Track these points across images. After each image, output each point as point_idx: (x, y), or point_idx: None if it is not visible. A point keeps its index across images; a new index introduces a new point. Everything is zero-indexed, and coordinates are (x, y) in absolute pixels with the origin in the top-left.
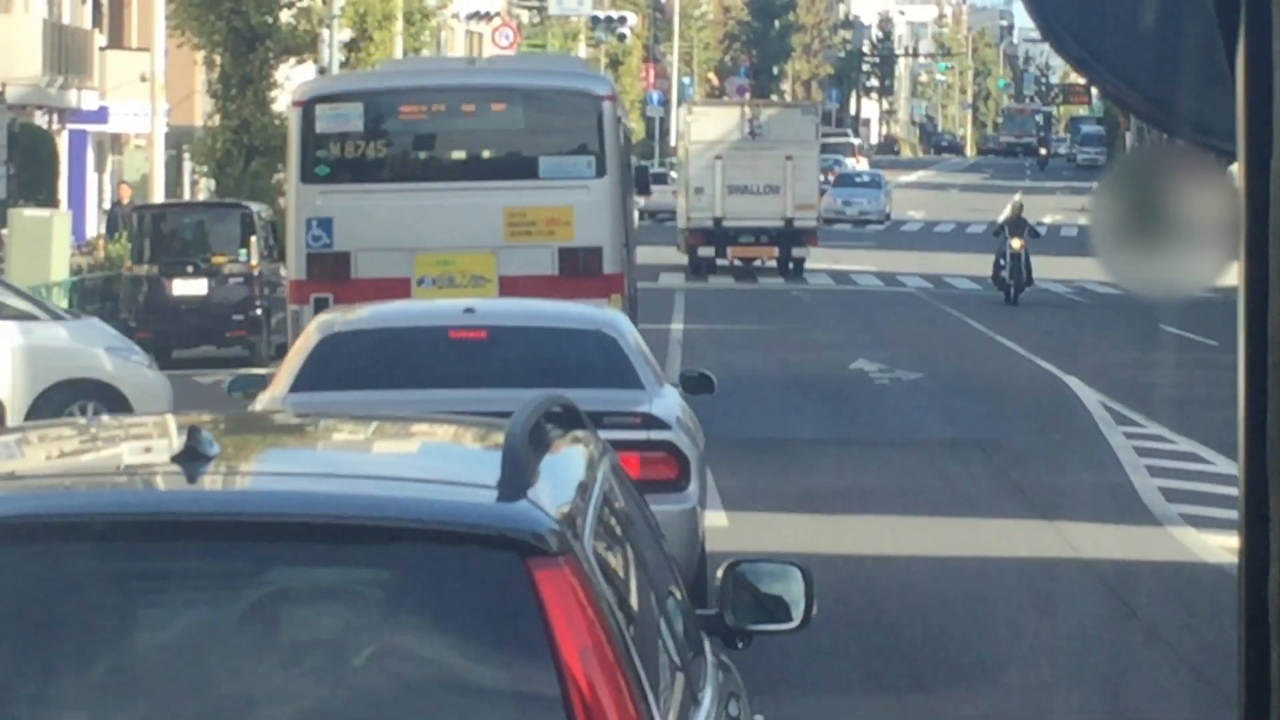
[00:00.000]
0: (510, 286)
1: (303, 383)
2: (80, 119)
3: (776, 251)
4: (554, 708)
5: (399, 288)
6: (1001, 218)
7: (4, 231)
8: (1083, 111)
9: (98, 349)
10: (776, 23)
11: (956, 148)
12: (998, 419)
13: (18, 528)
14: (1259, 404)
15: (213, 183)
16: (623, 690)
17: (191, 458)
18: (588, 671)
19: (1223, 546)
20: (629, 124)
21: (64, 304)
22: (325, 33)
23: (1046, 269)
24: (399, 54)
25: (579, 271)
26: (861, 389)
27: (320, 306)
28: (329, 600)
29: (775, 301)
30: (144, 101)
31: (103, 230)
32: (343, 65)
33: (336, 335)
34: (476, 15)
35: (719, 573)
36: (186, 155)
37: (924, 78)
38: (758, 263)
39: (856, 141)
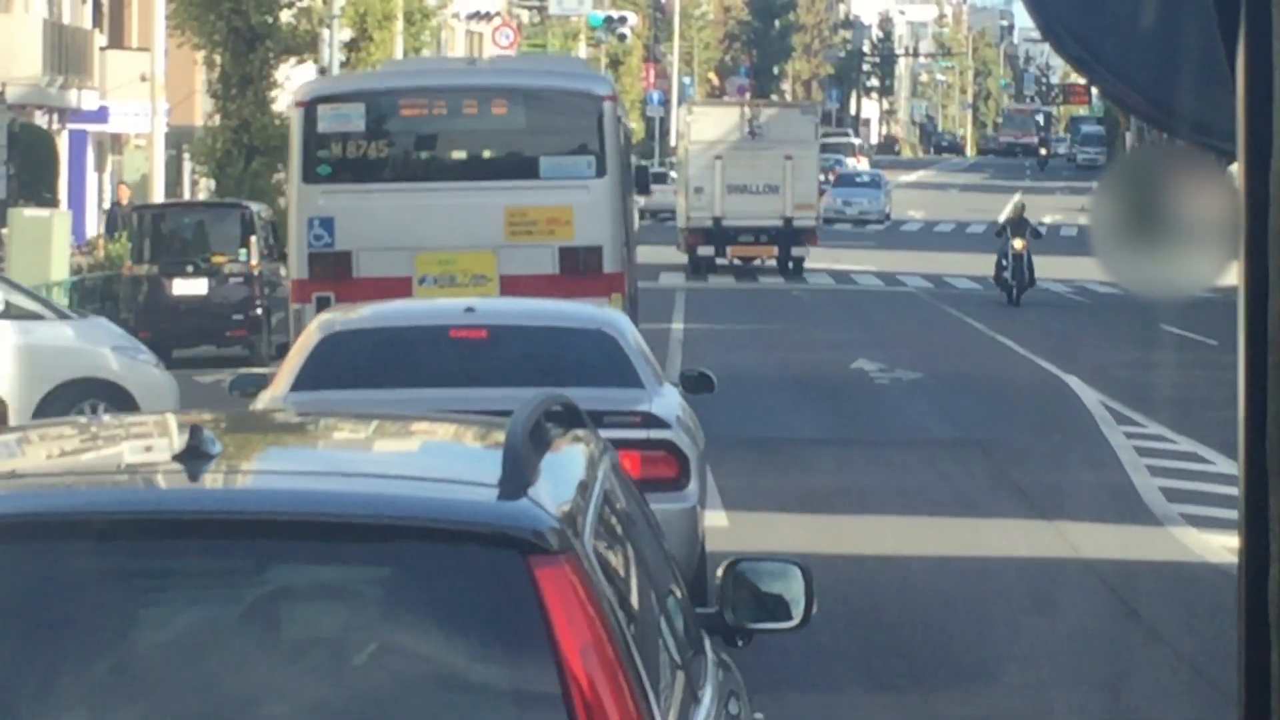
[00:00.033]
0: (511, 286)
1: (304, 382)
2: (80, 119)
3: (776, 251)
4: (554, 706)
5: (400, 287)
6: (1003, 217)
7: (4, 231)
8: (1083, 111)
9: (104, 348)
10: (777, 23)
11: (957, 148)
12: (998, 419)
13: (20, 526)
14: (1259, 404)
15: (213, 183)
16: (623, 688)
17: (193, 456)
18: (588, 669)
19: (1223, 546)
20: (629, 124)
21: (64, 304)
22: (325, 33)
23: (1047, 269)
24: (399, 54)
25: (579, 271)
26: (861, 389)
27: (322, 305)
28: (330, 598)
29: (775, 301)
30: (144, 101)
31: (103, 230)
32: (343, 65)
33: (337, 334)
34: (477, 15)
35: (719, 571)
36: (186, 155)
37: (924, 78)
38: (757, 262)
39: (857, 141)
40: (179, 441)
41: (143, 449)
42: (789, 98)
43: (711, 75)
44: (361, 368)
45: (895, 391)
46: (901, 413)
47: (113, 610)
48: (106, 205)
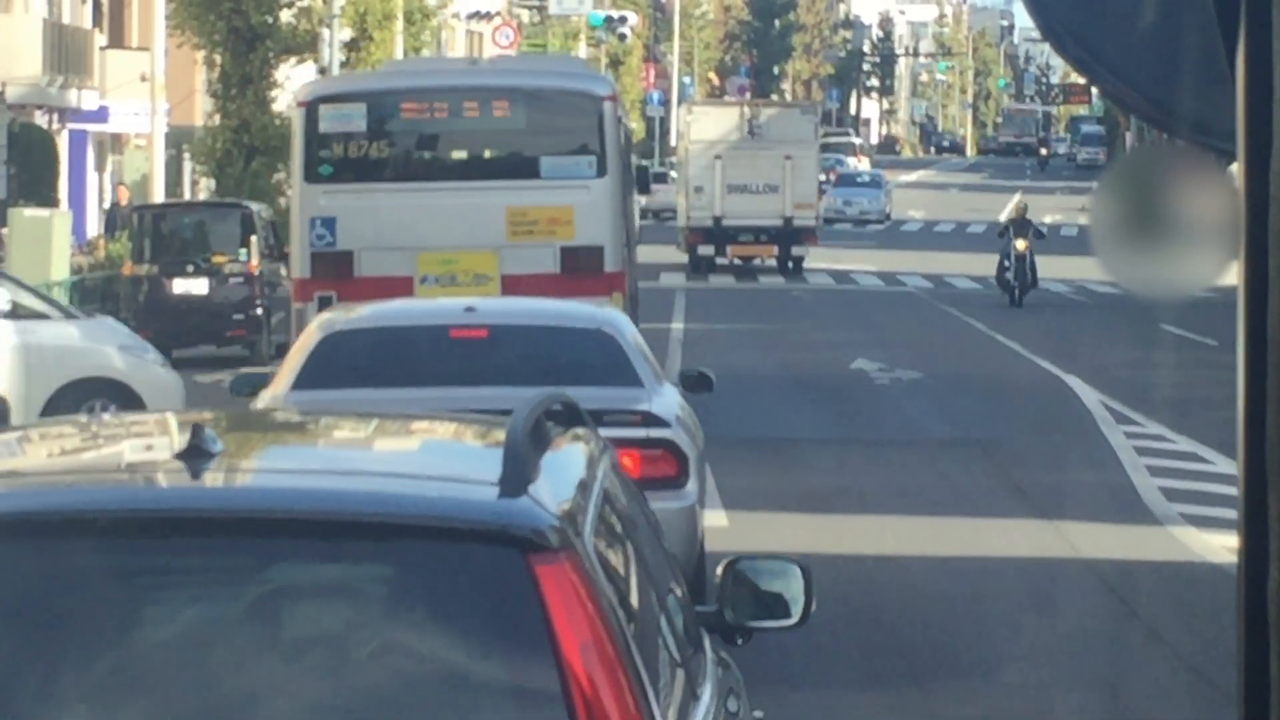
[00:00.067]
0: (512, 285)
1: (304, 381)
2: (80, 119)
3: (775, 250)
4: (555, 703)
5: (402, 286)
6: (1004, 217)
7: (4, 231)
8: (1083, 111)
9: (111, 348)
10: (777, 22)
11: (958, 148)
12: (998, 418)
13: (22, 524)
14: (1259, 404)
15: (213, 183)
16: (623, 686)
17: (195, 455)
18: (588, 667)
19: (1223, 546)
20: (629, 124)
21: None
22: (325, 32)
23: (1047, 268)
24: (399, 54)
25: (580, 270)
26: (861, 389)
27: (324, 304)
28: (331, 596)
29: (775, 301)
30: (144, 101)
31: (103, 230)
32: (343, 65)
33: (338, 334)
34: (477, 15)
35: (719, 569)
36: (186, 155)
37: (924, 77)
38: (757, 261)
39: (858, 141)
40: (181, 440)
41: (144, 447)
42: (789, 98)
43: (711, 75)
44: (362, 367)
45: (895, 391)
46: (901, 412)
47: (115, 608)
48: (106, 205)
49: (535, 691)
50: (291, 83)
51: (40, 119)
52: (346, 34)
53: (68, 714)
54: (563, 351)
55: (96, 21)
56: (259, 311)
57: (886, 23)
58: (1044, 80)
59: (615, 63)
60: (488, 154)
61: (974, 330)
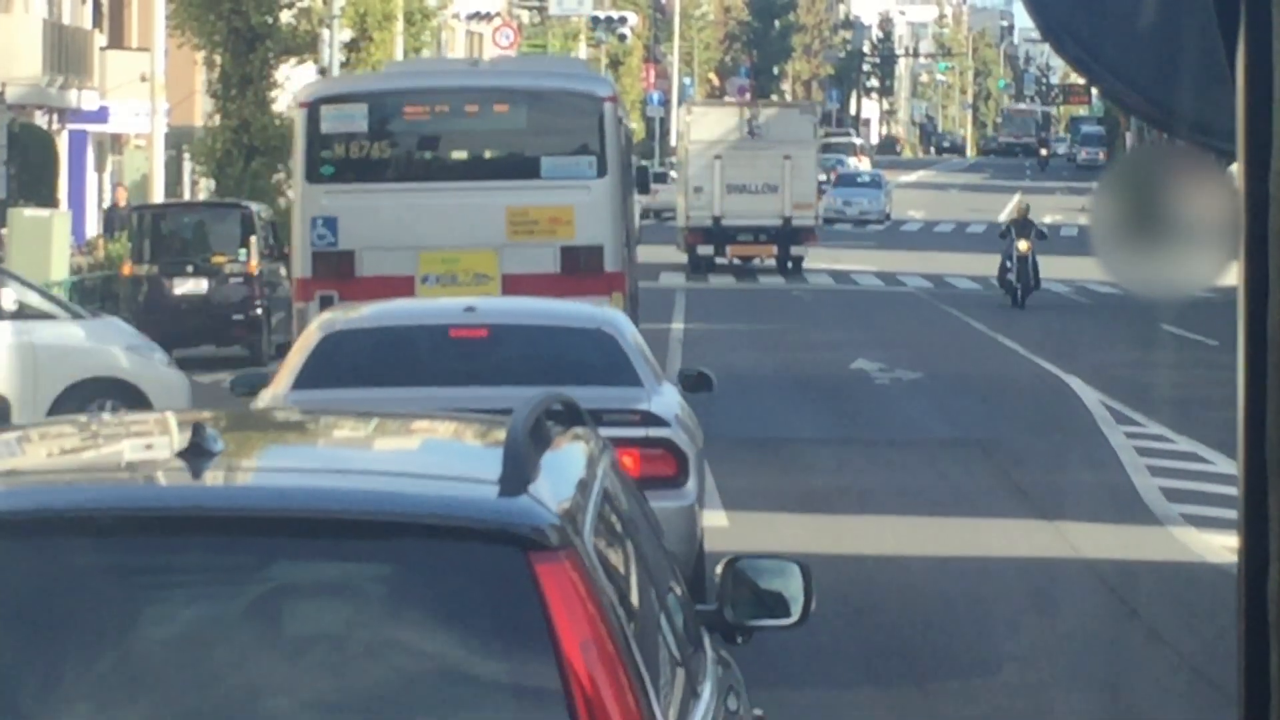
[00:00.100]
0: (513, 284)
1: (305, 380)
2: (80, 119)
3: (775, 250)
4: (555, 701)
5: (403, 285)
6: (1005, 217)
7: (4, 231)
8: (1083, 111)
9: (117, 348)
10: (777, 23)
11: (959, 148)
12: (998, 419)
13: (23, 522)
14: (1259, 404)
15: (213, 183)
16: (623, 684)
17: (196, 453)
18: (588, 665)
19: (1223, 546)
20: (630, 124)
21: None
22: (325, 33)
23: (1047, 269)
24: (399, 54)
25: (580, 270)
26: (861, 389)
27: (326, 304)
28: (332, 594)
29: (775, 301)
30: (144, 101)
31: (102, 230)
32: (343, 65)
33: (338, 333)
34: (477, 15)
35: (718, 568)
36: (186, 155)
37: (924, 78)
38: (756, 261)
39: (859, 141)
40: (182, 439)
41: (146, 446)
42: (789, 98)
43: (711, 75)
44: (362, 367)
45: (895, 391)
46: (901, 412)
47: (116, 606)
48: (106, 204)
49: (536, 689)
50: (291, 83)
51: (40, 119)
52: (346, 34)
53: (69, 712)
54: (563, 351)
55: (96, 22)
56: (259, 311)
57: (886, 23)
58: (1044, 80)
59: (615, 63)
60: (489, 154)
61: (974, 330)
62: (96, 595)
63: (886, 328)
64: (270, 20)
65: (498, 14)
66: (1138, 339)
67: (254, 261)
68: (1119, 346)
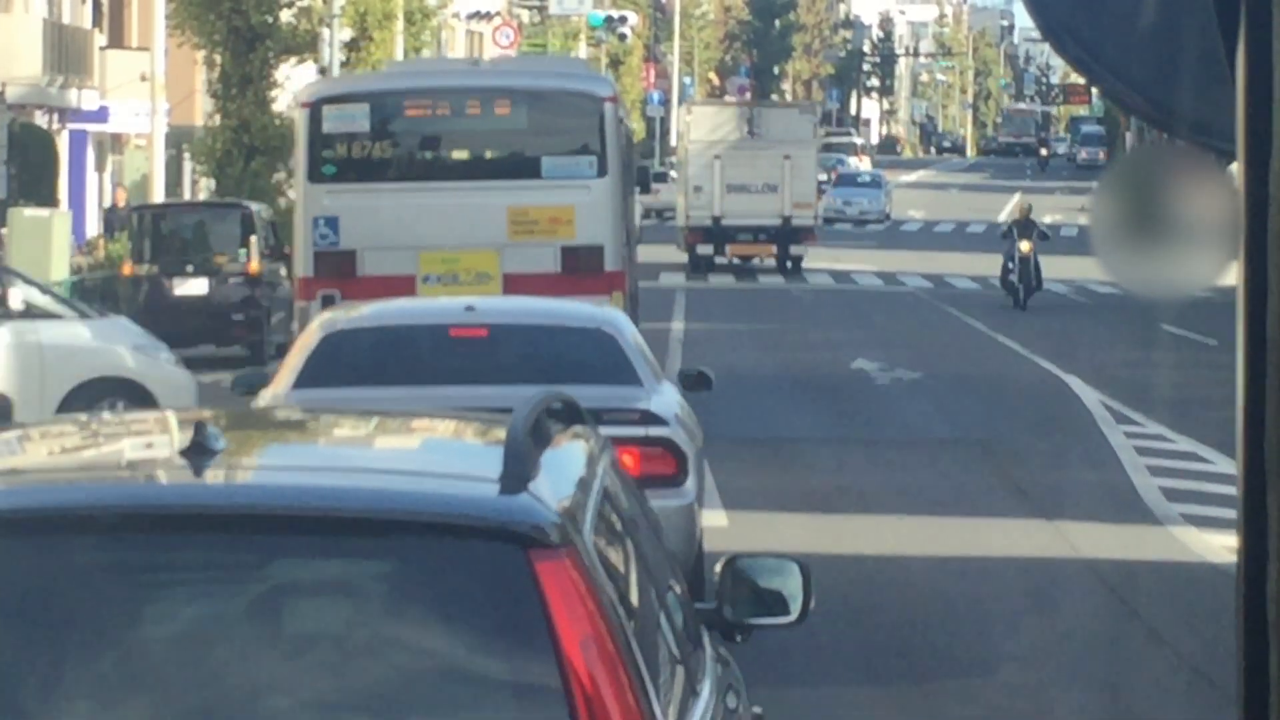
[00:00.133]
0: (514, 284)
1: (306, 379)
2: (80, 119)
3: (774, 249)
4: (555, 699)
5: (404, 285)
6: (1006, 217)
7: (4, 231)
8: (1083, 111)
9: (124, 347)
10: (777, 22)
11: (959, 148)
12: (998, 418)
13: (25, 521)
14: (1258, 404)
15: (213, 183)
16: (623, 681)
17: (198, 452)
18: (588, 663)
19: (1223, 546)
20: (630, 124)
21: None
22: (325, 32)
23: (1048, 268)
24: (399, 54)
25: (581, 269)
26: (861, 388)
27: (327, 303)
28: (333, 592)
29: (776, 301)
30: (144, 101)
31: (102, 230)
32: (343, 65)
33: (339, 333)
34: (477, 15)
35: (718, 567)
36: (186, 155)
37: (924, 78)
38: (756, 261)
39: (860, 141)
40: (183, 438)
41: (147, 445)
42: (789, 98)
43: (712, 75)
44: (363, 366)
45: (895, 391)
46: (901, 412)
47: (118, 605)
48: (107, 204)
49: (536, 687)
50: (292, 83)
51: (40, 119)
52: (346, 34)
53: (71, 710)
54: (563, 350)
55: (96, 21)
56: (259, 311)
57: (886, 23)
58: (1044, 80)
59: (615, 63)
60: (489, 154)
61: (974, 330)
62: (98, 593)
63: (886, 327)
64: (270, 20)
65: (498, 13)
66: (1137, 339)
67: (254, 261)
68: (1119, 346)
